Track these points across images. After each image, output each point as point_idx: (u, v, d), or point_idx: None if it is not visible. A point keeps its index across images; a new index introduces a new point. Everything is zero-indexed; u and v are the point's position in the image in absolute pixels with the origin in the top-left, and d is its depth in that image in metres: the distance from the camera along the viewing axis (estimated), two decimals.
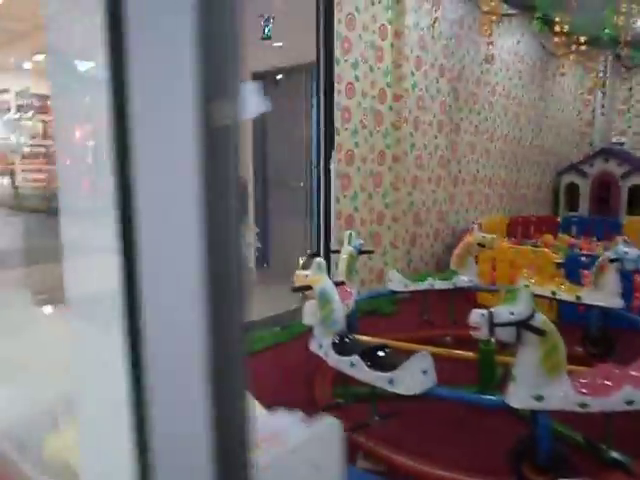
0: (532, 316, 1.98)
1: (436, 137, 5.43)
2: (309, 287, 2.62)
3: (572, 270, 4.22)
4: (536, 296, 3.71)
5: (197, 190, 0.44)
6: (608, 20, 5.45)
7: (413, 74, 5.03)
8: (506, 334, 2.00)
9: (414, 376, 2.19)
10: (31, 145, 9.13)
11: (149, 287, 0.44)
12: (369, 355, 2.35)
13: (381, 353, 2.38)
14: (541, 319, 1.99)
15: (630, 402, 2.01)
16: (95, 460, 0.56)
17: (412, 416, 2.76)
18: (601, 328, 3.49)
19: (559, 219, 7.22)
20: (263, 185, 6.45)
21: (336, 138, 4.45)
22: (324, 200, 4.56)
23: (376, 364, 2.29)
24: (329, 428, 0.76)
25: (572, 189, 8.00)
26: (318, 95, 4.45)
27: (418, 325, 4.17)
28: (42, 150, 9.41)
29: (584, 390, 2.02)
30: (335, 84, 4.36)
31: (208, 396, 0.45)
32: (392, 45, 4.82)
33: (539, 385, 2.01)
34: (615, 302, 3.30)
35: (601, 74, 7.95)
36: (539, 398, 2.00)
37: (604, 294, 3.32)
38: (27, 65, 8.38)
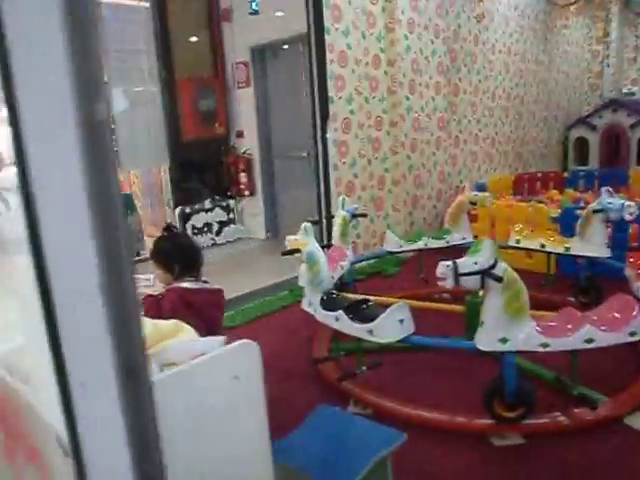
0: (494, 265, 2.13)
1: (434, 99, 5.47)
2: (297, 250, 2.80)
3: (567, 223, 4.29)
4: (527, 249, 3.87)
5: (83, 172, 0.61)
6: None
7: (407, 37, 5.05)
8: (471, 283, 2.16)
9: (391, 325, 2.36)
10: None
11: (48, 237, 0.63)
12: (352, 309, 2.53)
13: (363, 307, 2.56)
14: (503, 268, 2.14)
15: (589, 341, 2.15)
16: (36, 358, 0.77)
17: (398, 365, 2.96)
18: (589, 278, 3.60)
19: (566, 174, 7.20)
20: (268, 156, 6.60)
21: (331, 107, 4.55)
22: (322, 168, 4.70)
23: (357, 317, 2.47)
24: (246, 347, 0.94)
25: (581, 143, 7.93)
26: (310, 65, 4.54)
27: (417, 284, 4.32)
28: None
29: (546, 332, 2.17)
30: (327, 53, 4.44)
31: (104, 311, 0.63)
32: (383, 9, 4.84)
33: (504, 329, 2.17)
34: (601, 252, 3.40)
35: (608, 23, 7.77)
36: (504, 340, 2.17)
37: (590, 244, 3.42)
38: None
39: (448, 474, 2.15)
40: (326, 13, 4.39)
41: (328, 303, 2.67)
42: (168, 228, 2.34)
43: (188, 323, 2.16)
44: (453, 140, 5.84)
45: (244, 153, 6.67)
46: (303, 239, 2.80)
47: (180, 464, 0.88)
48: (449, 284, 2.16)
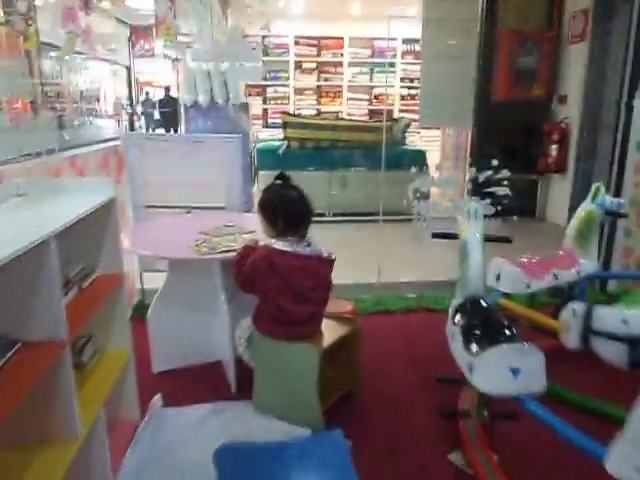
0: None
1: None
2: (455, 235, 2.19)
3: None
4: None
5: None
6: None
7: None
8: None
9: (496, 371, 1.61)
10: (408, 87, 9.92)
11: None
12: (483, 328, 1.81)
13: (504, 332, 1.78)
14: None
15: None
16: None
17: None
18: None
19: None
20: (593, 128, 5.32)
21: None
22: (620, 142, 3.50)
23: (477, 340, 1.76)
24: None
25: None
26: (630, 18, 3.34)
27: None
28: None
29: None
30: None
31: None
32: None
33: None
34: None
35: None
36: None
37: None
38: (411, 12, 8.94)
39: None
40: None
41: (465, 313, 2.01)
42: (281, 177, 2.11)
43: (268, 283, 1.98)
44: None
45: (561, 122, 5.55)
46: (464, 222, 2.15)
47: None
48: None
